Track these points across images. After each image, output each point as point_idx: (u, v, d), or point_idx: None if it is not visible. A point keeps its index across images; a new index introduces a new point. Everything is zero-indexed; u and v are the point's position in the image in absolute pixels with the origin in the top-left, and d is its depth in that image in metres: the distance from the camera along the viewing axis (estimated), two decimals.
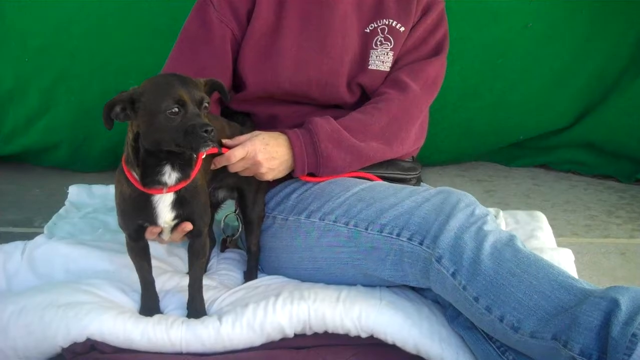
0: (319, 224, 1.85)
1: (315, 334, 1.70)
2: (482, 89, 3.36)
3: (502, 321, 1.49)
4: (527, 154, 3.65)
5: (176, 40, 2.03)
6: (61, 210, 2.48)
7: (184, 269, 2.06)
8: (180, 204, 1.61)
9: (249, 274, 1.97)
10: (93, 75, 3.12)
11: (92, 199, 2.58)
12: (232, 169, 1.81)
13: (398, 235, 1.69)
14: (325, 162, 1.89)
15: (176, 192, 1.59)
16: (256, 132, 1.86)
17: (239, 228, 2.07)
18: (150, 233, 1.64)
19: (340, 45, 2.00)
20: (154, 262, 1.96)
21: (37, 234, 2.21)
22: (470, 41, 3.20)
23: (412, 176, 2.08)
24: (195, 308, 1.73)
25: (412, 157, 2.13)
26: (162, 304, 1.80)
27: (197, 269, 1.73)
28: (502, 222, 2.37)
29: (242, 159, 1.79)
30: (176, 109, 1.46)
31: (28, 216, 2.76)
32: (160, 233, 1.66)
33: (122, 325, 1.64)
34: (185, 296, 1.78)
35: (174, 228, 1.65)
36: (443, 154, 3.54)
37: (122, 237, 2.09)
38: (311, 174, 1.93)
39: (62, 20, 3.03)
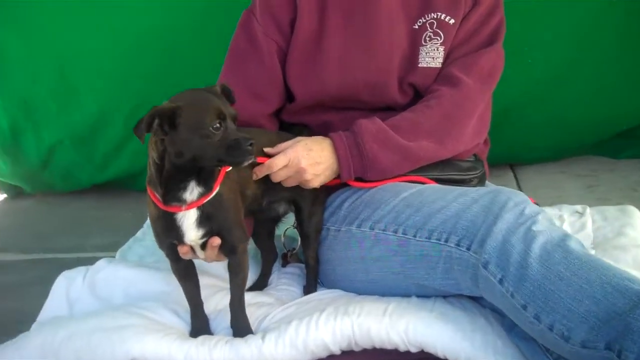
0: (370, 233, 1.76)
1: (364, 350, 1.61)
2: (571, 76, 3.10)
3: (552, 330, 1.34)
4: (635, 144, 3.36)
5: (225, 57, 2.02)
6: (138, 233, 2.53)
7: None
8: (207, 220, 1.57)
9: (308, 288, 1.91)
10: (171, 93, 3.14)
11: None
12: (275, 178, 1.75)
13: (446, 240, 1.58)
14: (372, 164, 1.79)
15: (199, 208, 1.55)
16: (299, 138, 1.81)
17: (299, 241, 2.01)
18: (180, 252, 1.61)
19: (388, 44, 1.91)
20: (210, 280, 1.95)
21: None
22: (553, 26, 2.98)
23: (472, 176, 1.95)
24: (239, 326, 1.68)
25: (475, 155, 1.99)
26: (215, 323, 1.76)
27: (235, 286, 1.68)
28: (588, 220, 2.20)
29: (285, 166, 1.73)
30: (218, 125, 1.45)
31: (115, 240, 2.80)
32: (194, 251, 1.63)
33: (167, 348, 1.61)
34: None
35: (204, 245, 1.61)
36: (539, 150, 3.32)
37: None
38: (360, 179, 1.84)
39: (137, 44, 3.10)
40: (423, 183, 1.83)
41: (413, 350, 1.56)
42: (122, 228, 2.95)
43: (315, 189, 1.83)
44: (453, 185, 1.84)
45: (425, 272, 1.64)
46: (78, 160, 3.42)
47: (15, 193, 3.74)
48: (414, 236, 1.65)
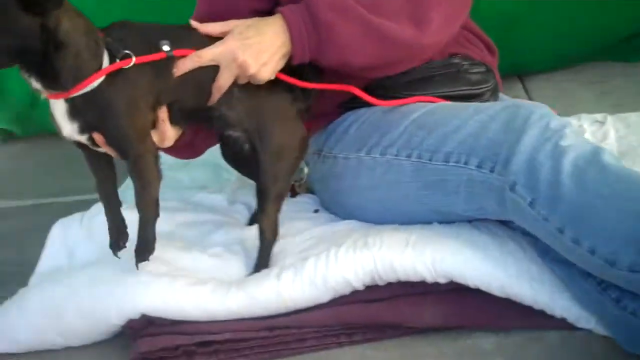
0: (381, 159, 1.64)
1: (389, 284, 1.51)
2: None
3: (594, 254, 1.23)
4: None
5: None
6: None
7: (246, 216, 1.93)
8: (79, 114, 1.39)
9: (258, 267, 1.64)
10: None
11: (165, 156, 2.48)
12: (223, 87, 1.50)
13: (466, 163, 1.45)
14: (329, 37, 1.52)
15: (67, 101, 1.38)
16: (230, 25, 1.53)
17: (305, 170, 1.89)
18: None
19: None
20: (213, 216, 1.86)
21: None
22: None
23: (484, 89, 1.78)
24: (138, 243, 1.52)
25: (485, 65, 1.84)
26: None
27: (136, 198, 1.49)
28: (609, 129, 2.09)
29: (226, 67, 1.48)
30: None
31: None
32: None
33: (174, 300, 1.52)
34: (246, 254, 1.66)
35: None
36: (546, 58, 3.12)
37: (185, 194, 2.00)
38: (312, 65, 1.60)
39: None
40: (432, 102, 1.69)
41: (442, 281, 1.47)
42: (119, 166, 2.85)
43: (280, 138, 1.60)
44: (464, 101, 1.70)
45: (444, 198, 1.53)
46: None
47: (6, 137, 3.61)
48: (430, 160, 1.53)
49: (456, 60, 1.78)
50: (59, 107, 1.40)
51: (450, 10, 1.69)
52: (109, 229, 1.58)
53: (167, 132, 1.52)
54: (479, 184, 1.43)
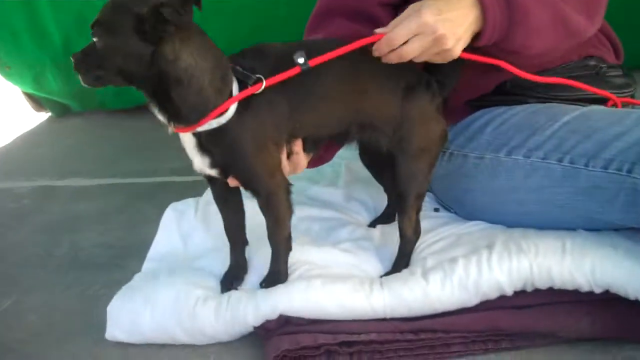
0: (524, 161, 1.58)
1: (537, 290, 1.46)
2: None
3: None
4: None
5: None
6: None
7: (365, 217, 1.88)
8: (208, 149, 1.36)
9: (396, 267, 1.60)
10: (244, 10, 2.99)
11: None
12: (406, 56, 1.40)
13: (629, 171, 1.39)
14: (523, 17, 1.47)
15: (195, 135, 1.34)
16: (418, 3, 1.44)
17: None
18: None
19: None
20: (335, 213, 1.80)
21: (198, 182, 2.11)
22: None
23: (626, 93, 1.73)
24: (269, 274, 1.53)
25: (621, 68, 1.79)
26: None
27: (268, 233, 1.49)
28: None
29: (416, 36, 1.38)
30: None
31: (189, 164, 2.65)
32: None
33: (315, 300, 1.46)
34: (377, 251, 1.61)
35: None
36: None
37: (298, 184, 1.95)
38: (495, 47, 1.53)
39: None
40: (581, 105, 1.63)
41: (597, 291, 1.42)
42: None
43: (421, 141, 1.53)
44: (602, 105, 1.65)
45: (598, 205, 1.48)
46: None
47: (62, 111, 3.58)
48: (586, 166, 1.48)
49: (592, 62, 1.73)
50: (188, 140, 1.35)
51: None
52: (230, 266, 1.57)
53: (301, 162, 1.49)
54: None
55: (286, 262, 1.52)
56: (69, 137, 3.33)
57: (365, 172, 1.84)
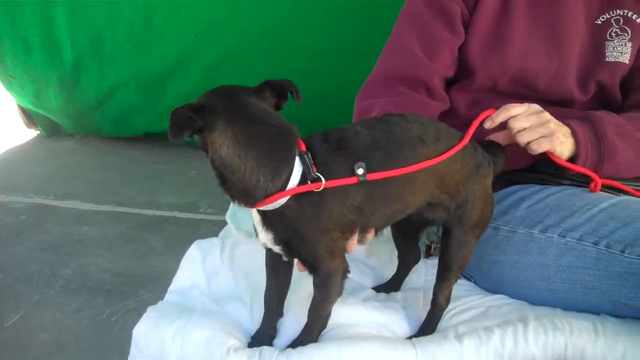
0: (558, 240, 1.64)
1: None
2: None
3: None
4: None
5: (397, 21, 1.89)
6: None
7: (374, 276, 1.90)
8: (272, 226, 1.33)
9: (425, 329, 1.61)
10: (259, 55, 2.98)
11: None
12: (516, 126, 1.54)
13: None
14: (611, 155, 1.62)
15: (259, 212, 1.31)
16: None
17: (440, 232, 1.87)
18: None
19: (571, 36, 1.80)
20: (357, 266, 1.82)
21: (204, 221, 2.13)
22: None
23: None
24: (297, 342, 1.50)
25: None
26: None
27: (312, 304, 1.45)
28: None
29: (526, 113, 1.55)
30: None
31: (192, 201, 2.66)
32: None
33: (348, 355, 1.43)
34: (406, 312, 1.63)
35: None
36: None
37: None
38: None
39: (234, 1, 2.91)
40: (618, 193, 1.72)
41: None
42: (194, 188, 2.81)
43: (478, 216, 1.57)
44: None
45: (630, 291, 1.52)
46: (138, 104, 3.27)
47: (53, 131, 3.55)
48: (622, 252, 1.53)
49: None
50: (254, 214, 1.33)
51: None
52: (259, 330, 1.54)
53: (365, 244, 1.51)
54: None
55: (318, 335, 1.50)
56: (60, 157, 3.31)
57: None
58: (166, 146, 3.39)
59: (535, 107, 1.54)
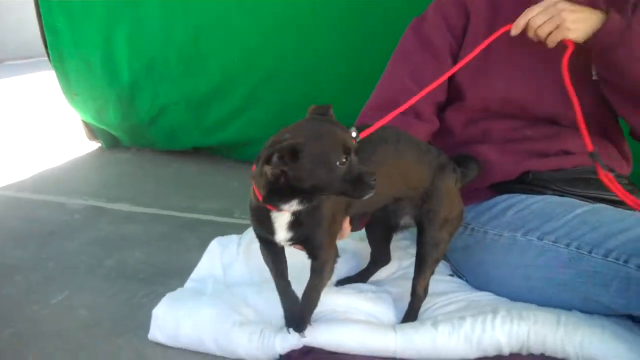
0: (537, 243, 1.82)
1: (531, 355, 1.68)
2: None
3: None
4: None
5: (391, 57, 2.12)
6: None
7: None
8: (299, 226, 1.56)
9: (407, 317, 1.84)
10: (297, 77, 3.25)
11: None
12: (532, 23, 1.80)
13: (626, 262, 1.62)
14: (634, 36, 1.79)
15: (294, 213, 1.54)
16: None
17: None
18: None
19: (556, 59, 1.89)
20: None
21: (236, 224, 2.35)
22: None
23: None
24: (295, 316, 1.72)
25: (628, 178, 2.05)
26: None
27: (309, 285, 1.69)
28: None
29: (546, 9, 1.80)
30: (344, 160, 1.41)
31: (228, 207, 2.89)
32: None
33: (336, 335, 1.70)
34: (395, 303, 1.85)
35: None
36: None
37: None
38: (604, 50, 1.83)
39: (275, 23, 3.17)
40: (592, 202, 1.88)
41: None
42: (233, 196, 3.05)
43: (446, 213, 1.80)
44: (607, 204, 1.88)
45: (595, 288, 1.70)
46: (187, 122, 3.54)
47: (113, 143, 3.86)
48: (589, 252, 1.70)
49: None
50: (284, 218, 1.55)
51: None
52: (287, 309, 1.75)
53: (346, 232, 1.75)
54: (635, 282, 1.59)
55: (312, 314, 1.73)
56: (117, 167, 3.60)
57: None
58: (213, 160, 3.66)
59: (551, 2, 1.79)
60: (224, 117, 3.45)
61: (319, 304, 1.72)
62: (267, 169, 1.40)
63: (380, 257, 2.06)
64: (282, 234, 1.58)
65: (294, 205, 1.48)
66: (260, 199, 1.48)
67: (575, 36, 1.79)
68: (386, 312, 1.85)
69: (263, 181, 1.44)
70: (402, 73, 2.05)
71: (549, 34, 1.80)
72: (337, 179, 1.41)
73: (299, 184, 1.42)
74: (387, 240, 2.03)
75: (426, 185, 1.76)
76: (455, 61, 2.03)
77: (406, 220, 1.86)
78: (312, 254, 1.65)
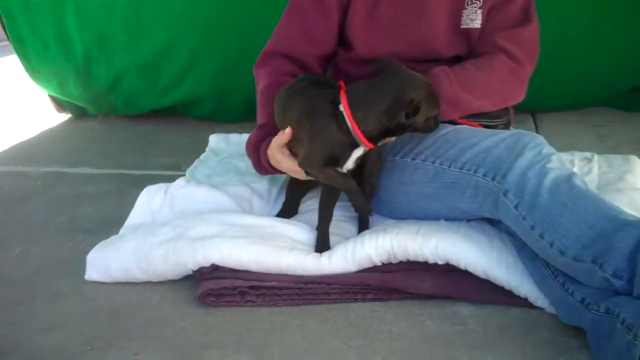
0: (411, 162, 2.07)
1: (399, 262, 1.95)
2: (590, 34, 3.45)
3: (552, 246, 1.67)
4: None
5: (285, 8, 2.29)
6: (202, 156, 2.88)
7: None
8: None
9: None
10: (232, 36, 3.53)
11: (228, 146, 2.99)
12: None
13: (475, 172, 1.88)
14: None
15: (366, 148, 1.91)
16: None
17: None
18: None
19: (434, 9, 2.14)
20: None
21: (182, 175, 2.61)
22: None
23: (498, 123, 2.22)
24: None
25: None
26: None
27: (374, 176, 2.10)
28: (595, 166, 2.51)
29: None
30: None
31: (176, 161, 3.17)
32: None
33: (238, 255, 1.96)
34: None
35: None
36: (558, 100, 3.62)
37: (248, 178, 2.46)
38: None
39: None
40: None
41: (440, 262, 1.91)
42: (182, 150, 3.33)
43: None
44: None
45: (454, 196, 1.96)
46: (141, 87, 3.83)
47: (80, 114, 4.14)
48: (449, 167, 1.96)
49: None
50: (358, 152, 1.91)
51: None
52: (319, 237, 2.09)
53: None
54: (482, 188, 1.86)
55: (327, 232, 2.09)
56: (82, 135, 3.88)
57: None
58: (169, 120, 3.96)
59: None
60: (174, 78, 3.73)
61: (230, 224, 2.09)
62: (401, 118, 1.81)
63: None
64: (350, 164, 1.93)
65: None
66: (362, 138, 1.84)
67: None
68: (300, 233, 2.13)
69: (381, 128, 1.84)
70: (293, 27, 2.24)
71: None
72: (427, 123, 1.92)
73: (401, 130, 1.88)
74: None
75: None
76: (346, 12, 2.20)
77: None
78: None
